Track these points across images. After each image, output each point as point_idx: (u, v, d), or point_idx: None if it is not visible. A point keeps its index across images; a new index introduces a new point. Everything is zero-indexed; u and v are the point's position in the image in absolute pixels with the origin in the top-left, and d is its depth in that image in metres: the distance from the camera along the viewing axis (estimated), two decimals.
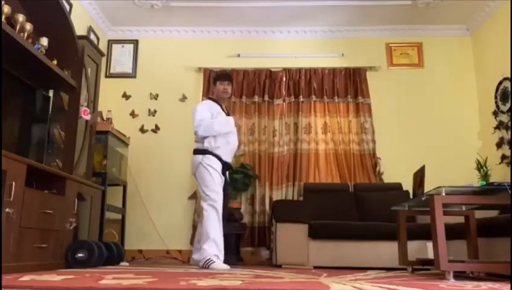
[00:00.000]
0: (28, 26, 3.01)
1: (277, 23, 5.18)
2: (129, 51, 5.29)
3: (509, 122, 4.32)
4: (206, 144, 3.53)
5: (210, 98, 3.89)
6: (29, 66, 3.11)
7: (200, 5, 4.81)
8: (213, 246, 3.28)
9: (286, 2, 4.78)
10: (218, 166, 3.50)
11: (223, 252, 3.35)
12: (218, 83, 3.75)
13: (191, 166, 3.67)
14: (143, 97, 5.16)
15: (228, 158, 3.61)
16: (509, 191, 2.27)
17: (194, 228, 4.70)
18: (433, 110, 5.03)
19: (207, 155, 3.50)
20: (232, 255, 4.01)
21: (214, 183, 3.44)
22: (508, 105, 4.36)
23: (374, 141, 4.91)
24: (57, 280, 1.81)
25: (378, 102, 5.04)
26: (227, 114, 3.77)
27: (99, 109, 4.15)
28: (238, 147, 3.85)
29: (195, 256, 3.44)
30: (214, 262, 3.20)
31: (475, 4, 4.73)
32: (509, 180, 2.72)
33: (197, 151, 3.58)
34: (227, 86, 3.73)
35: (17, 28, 2.91)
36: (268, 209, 4.65)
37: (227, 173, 3.66)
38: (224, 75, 3.82)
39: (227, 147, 3.58)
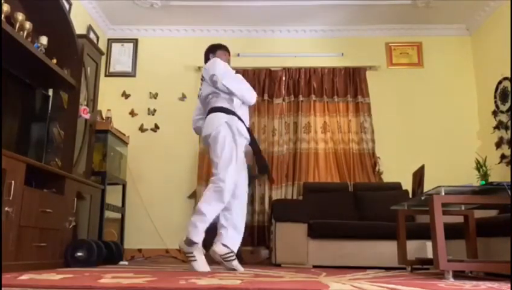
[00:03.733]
0: (28, 25, 3.00)
1: (277, 22, 5.18)
2: (129, 50, 5.29)
3: (509, 122, 4.33)
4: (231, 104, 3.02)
5: None
6: (29, 65, 3.10)
7: (199, 4, 4.81)
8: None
9: (286, 2, 4.78)
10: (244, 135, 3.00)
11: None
12: (221, 52, 3.28)
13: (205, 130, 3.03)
14: (142, 96, 5.16)
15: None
16: (509, 191, 2.27)
17: None
18: (433, 109, 5.04)
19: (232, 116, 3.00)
20: None
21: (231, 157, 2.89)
22: (508, 105, 4.36)
23: (373, 141, 4.91)
24: (56, 279, 1.81)
25: (378, 101, 5.05)
26: None
27: (98, 108, 4.15)
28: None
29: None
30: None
31: (475, 4, 4.73)
32: (509, 180, 2.73)
33: (220, 109, 3.00)
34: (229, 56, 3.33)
35: (17, 26, 2.90)
36: (268, 208, 4.65)
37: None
38: (225, 46, 3.37)
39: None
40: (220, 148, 2.91)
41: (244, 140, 3.02)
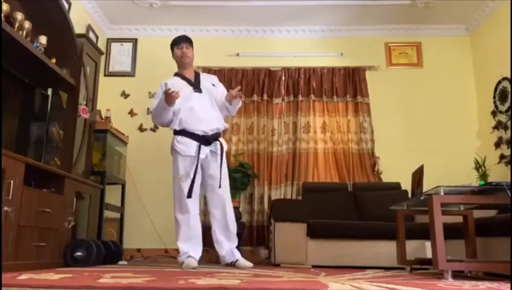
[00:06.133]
0: (27, 25, 3.00)
1: (276, 22, 5.18)
2: (128, 50, 5.29)
3: (508, 122, 4.33)
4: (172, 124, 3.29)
5: (175, 74, 3.49)
6: (28, 65, 3.10)
7: (199, 4, 4.80)
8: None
9: (286, 2, 4.78)
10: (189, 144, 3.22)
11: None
12: (175, 48, 3.41)
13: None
14: (142, 96, 5.15)
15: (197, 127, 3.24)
16: (508, 191, 2.27)
17: None
18: (432, 109, 5.04)
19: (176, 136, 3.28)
20: None
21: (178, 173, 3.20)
22: (507, 105, 4.36)
23: (372, 141, 4.91)
24: (55, 279, 1.81)
25: (377, 101, 5.04)
26: (195, 83, 3.38)
27: (98, 108, 4.14)
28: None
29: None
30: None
31: (474, 4, 4.73)
32: (507, 180, 2.73)
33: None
34: (186, 49, 3.39)
35: (16, 26, 2.90)
36: (267, 208, 4.65)
37: (208, 148, 3.28)
38: (180, 38, 3.47)
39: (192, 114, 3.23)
40: None
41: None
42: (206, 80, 3.48)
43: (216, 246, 3.32)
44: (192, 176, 3.17)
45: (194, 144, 3.21)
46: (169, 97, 3.07)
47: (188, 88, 3.31)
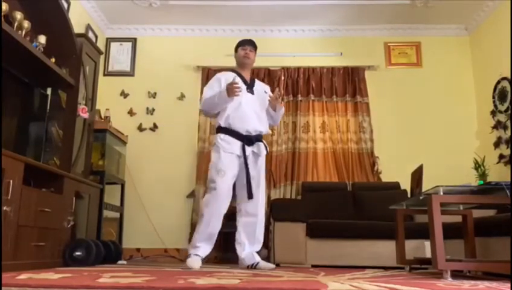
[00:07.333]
0: (26, 24, 3.00)
1: (276, 22, 5.18)
2: (127, 49, 5.28)
3: (507, 122, 4.33)
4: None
5: (231, 70, 3.52)
6: (27, 64, 3.09)
7: (198, 3, 4.80)
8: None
9: (285, 1, 4.78)
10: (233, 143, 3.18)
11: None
12: (240, 48, 3.44)
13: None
14: (141, 95, 5.15)
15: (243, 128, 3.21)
16: (508, 191, 2.27)
17: (192, 226, 4.70)
18: (431, 109, 5.04)
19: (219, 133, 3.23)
20: (230, 254, 4.01)
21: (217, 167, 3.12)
22: (506, 104, 4.37)
23: (372, 140, 4.92)
24: (55, 279, 1.81)
25: (377, 101, 5.05)
26: (250, 84, 3.39)
27: (97, 107, 4.14)
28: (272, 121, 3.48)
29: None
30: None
31: (474, 4, 4.73)
32: (507, 180, 2.73)
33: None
34: (250, 51, 3.41)
35: (15, 25, 2.90)
36: (267, 208, 4.64)
37: (251, 150, 3.25)
38: (246, 41, 3.50)
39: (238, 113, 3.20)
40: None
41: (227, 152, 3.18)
42: (260, 86, 3.49)
43: (237, 248, 3.20)
44: (231, 174, 3.15)
45: (237, 143, 3.19)
46: (232, 89, 3.07)
47: (242, 86, 3.29)
